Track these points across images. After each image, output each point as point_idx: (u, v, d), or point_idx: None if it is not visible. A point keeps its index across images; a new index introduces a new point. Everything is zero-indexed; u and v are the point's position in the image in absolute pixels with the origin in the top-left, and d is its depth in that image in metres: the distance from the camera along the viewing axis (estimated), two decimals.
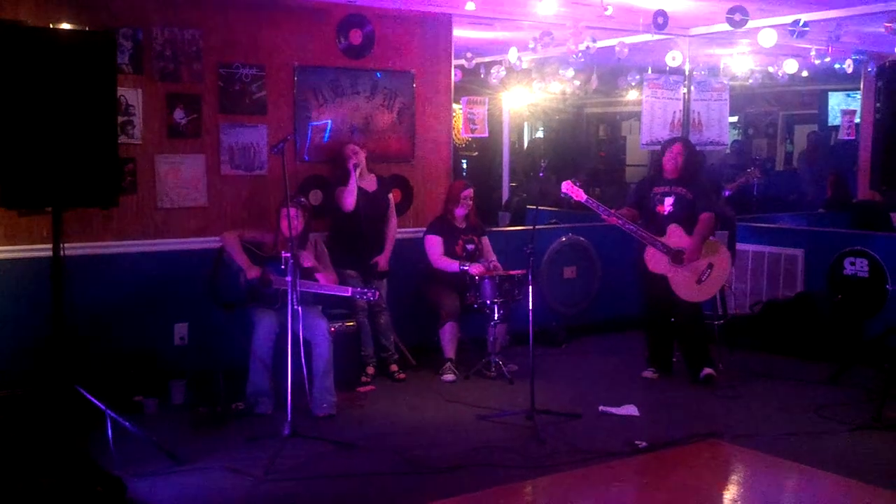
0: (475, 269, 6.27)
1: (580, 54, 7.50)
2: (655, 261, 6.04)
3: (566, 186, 5.99)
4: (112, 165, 4.41)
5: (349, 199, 6.01)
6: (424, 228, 6.60)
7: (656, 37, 7.18)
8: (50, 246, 4.48)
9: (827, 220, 9.35)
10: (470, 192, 6.55)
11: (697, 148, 7.62)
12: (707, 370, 6.13)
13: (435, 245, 6.42)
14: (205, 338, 5.87)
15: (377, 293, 5.40)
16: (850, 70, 8.99)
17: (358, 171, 6.05)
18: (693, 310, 6.14)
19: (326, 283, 5.47)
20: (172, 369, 5.69)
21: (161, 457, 4.55)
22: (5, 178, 4.17)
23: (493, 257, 6.56)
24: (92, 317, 5.43)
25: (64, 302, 4.41)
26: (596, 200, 6.00)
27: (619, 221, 5.97)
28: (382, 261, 6.24)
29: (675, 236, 6.04)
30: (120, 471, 4.20)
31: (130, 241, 5.71)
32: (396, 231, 6.40)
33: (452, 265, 6.33)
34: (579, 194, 5.94)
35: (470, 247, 6.53)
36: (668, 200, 6.12)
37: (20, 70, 4.14)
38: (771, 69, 9.42)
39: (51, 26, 4.89)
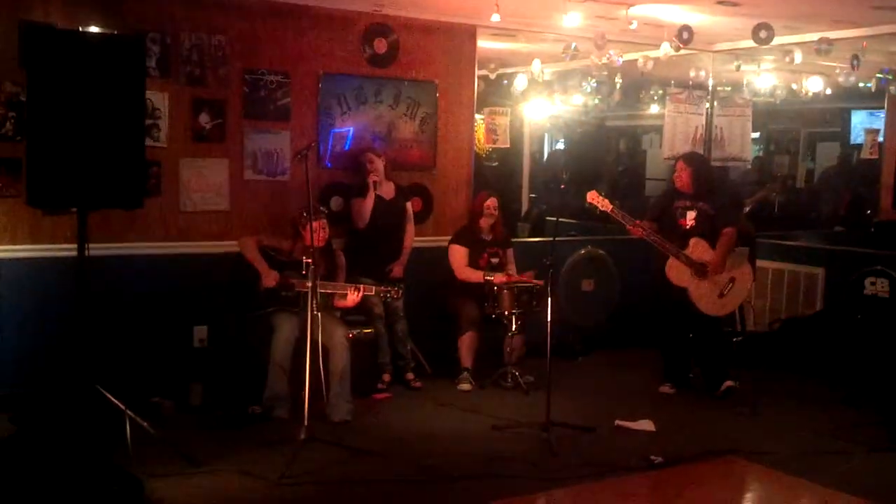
0: (499, 278, 6.28)
1: (604, 67, 7.52)
2: (678, 273, 6.02)
3: (592, 196, 5.99)
4: (138, 168, 4.46)
5: (364, 215, 6.04)
6: (444, 237, 6.62)
7: (681, 52, 7.18)
8: (72, 246, 4.53)
9: (847, 239, 9.29)
10: (493, 201, 6.55)
11: (718, 163, 7.63)
12: (728, 382, 6.13)
13: (459, 256, 6.43)
14: (224, 341, 5.90)
15: (399, 291, 5.43)
16: (873, 89, 8.95)
17: (377, 186, 6.07)
18: (713, 324, 6.13)
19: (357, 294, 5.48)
20: (191, 372, 5.73)
21: (178, 458, 4.58)
22: (33, 177, 4.23)
23: (513, 269, 6.56)
24: (113, 317, 5.49)
25: (86, 302, 4.45)
26: (621, 211, 6.00)
27: (644, 233, 5.96)
28: (398, 268, 6.25)
29: (699, 249, 6.03)
30: (137, 471, 4.24)
31: (153, 243, 5.76)
32: (413, 239, 6.42)
33: (476, 275, 6.34)
34: (605, 204, 5.94)
35: (494, 260, 6.52)
36: (691, 214, 6.11)
37: (51, 71, 4.19)
38: (794, 86, 9.41)
39: (80, 29, 4.95)
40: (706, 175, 6.26)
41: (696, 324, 6.10)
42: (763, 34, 6.53)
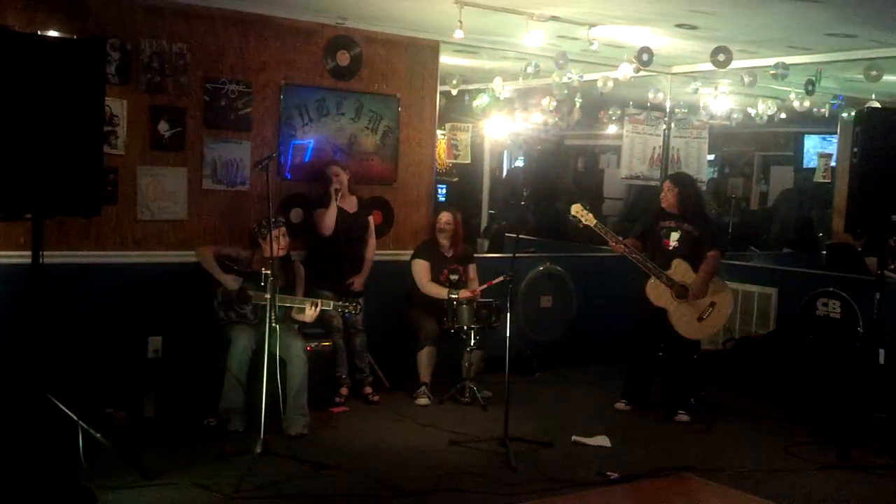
0: (464, 294, 6.31)
1: (563, 86, 7.60)
2: (658, 293, 6.04)
3: (575, 209, 6.02)
4: (96, 175, 4.40)
5: (328, 224, 6.02)
6: (404, 251, 6.64)
7: (640, 73, 7.29)
8: (26, 253, 4.46)
9: (798, 261, 9.47)
10: (447, 216, 6.57)
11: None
12: (683, 416, 6.14)
13: (422, 270, 6.44)
14: (178, 352, 5.84)
15: (358, 306, 5.42)
16: (826, 114, 9.17)
17: (339, 195, 6.05)
18: (687, 347, 6.17)
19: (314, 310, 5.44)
20: (145, 383, 5.66)
21: (131, 470, 4.51)
22: None
23: (476, 284, 6.56)
24: (66, 326, 5.40)
25: (39, 310, 4.37)
26: (604, 226, 6.04)
27: (626, 250, 5.99)
28: (358, 281, 6.24)
29: (681, 271, 6.06)
30: (90, 483, 4.16)
31: (108, 251, 5.68)
32: (374, 253, 6.41)
33: (441, 291, 6.35)
34: (589, 218, 5.97)
35: (454, 277, 6.54)
36: (675, 235, 6.14)
37: (8, 75, 4.12)
38: (750, 110, 9.59)
39: (38, 33, 4.89)
40: (693, 197, 6.28)
41: (670, 344, 6.13)
42: (721, 57, 6.66)
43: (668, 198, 6.20)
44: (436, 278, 6.45)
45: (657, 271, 5.99)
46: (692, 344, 6.22)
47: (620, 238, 6.05)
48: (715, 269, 6.15)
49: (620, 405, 6.35)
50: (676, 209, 6.18)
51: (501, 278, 6.19)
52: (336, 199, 6.01)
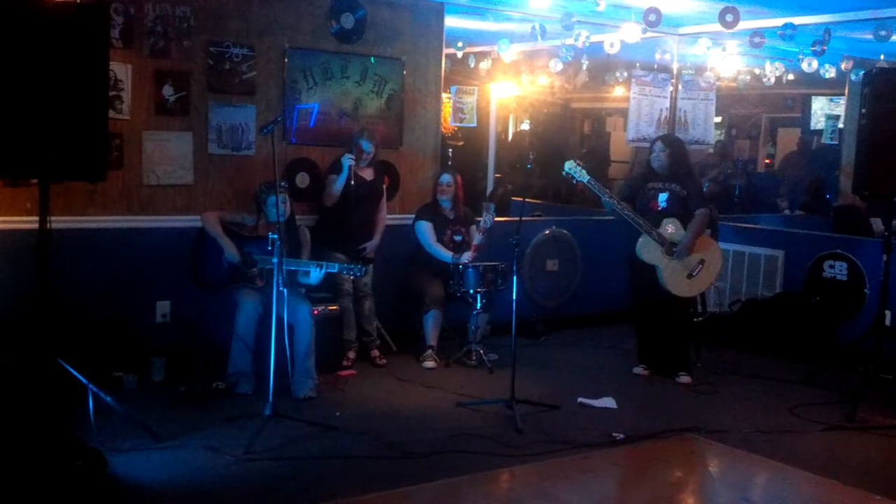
0: (467, 256, 6.32)
1: (570, 48, 7.53)
2: (649, 251, 6.06)
3: (569, 166, 6.01)
4: (101, 139, 4.37)
5: (334, 194, 6.00)
6: (410, 215, 6.63)
7: (647, 35, 7.22)
8: (33, 218, 4.46)
9: (806, 223, 9.45)
10: (447, 178, 6.58)
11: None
12: (684, 377, 6.18)
13: (426, 230, 6.45)
14: (187, 316, 5.86)
15: (364, 268, 5.44)
16: (833, 75, 9.08)
17: (352, 168, 6.02)
18: (680, 307, 6.18)
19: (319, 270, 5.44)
20: (153, 347, 5.70)
21: (141, 433, 4.56)
22: None
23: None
24: (74, 291, 5.43)
25: (47, 275, 4.39)
26: (598, 183, 6.03)
27: (619, 207, 5.99)
28: (371, 247, 6.25)
29: (671, 229, 6.07)
30: (99, 446, 4.21)
31: (115, 216, 5.68)
32: (386, 219, 6.42)
33: (446, 254, 6.36)
34: (582, 175, 5.97)
35: (458, 237, 6.56)
36: (662, 196, 6.14)
37: (11, 40, 4.09)
38: (757, 71, 9.50)
39: None
40: (684, 158, 6.28)
41: (665, 305, 6.15)
42: (729, 17, 6.59)
43: (660, 159, 6.19)
44: (440, 240, 6.46)
45: (648, 227, 6.00)
46: (685, 302, 6.23)
47: (614, 196, 6.04)
48: (703, 226, 6.16)
49: (639, 370, 6.37)
50: (667, 171, 6.17)
51: (484, 222, 6.22)
52: (350, 171, 5.96)
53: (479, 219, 6.47)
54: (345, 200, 6.04)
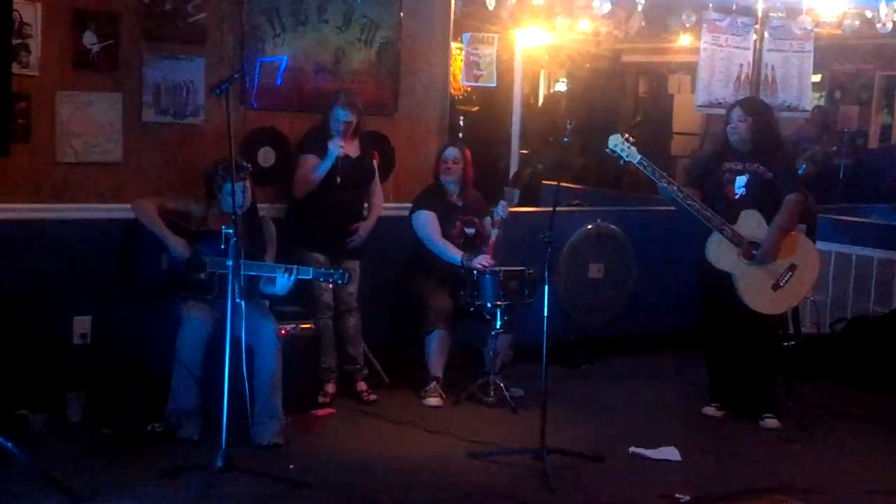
0: (483, 261, 6.28)
1: None
2: (721, 253, 6.04)
3: (614, 141, 6.02)
4: (2, 103, 4.39)
5: (309, 184, 6.04)
6: (407, 204, 6.63)
7: None
8: None
9: None
10: (453, 152, 6.59)
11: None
12: (771, 420, 6.18)
13: (428, 222, 6.45)
14: (114, 337, 5.87)
15: (346, 274, 5.43)
16: None
17: (341, 149, 6.04)
18: (763, 326, 6.17)
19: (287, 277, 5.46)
20: (69, 377, 5.69)
21: (52, 490, 4.54)
22: None
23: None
24: None
25: None
26: (652, 164, 6.03)
27: (681, 195, 5.98)
28: (363, 231, 6.26)
29: (750, 224, 6.05)
30: None
31: (18, 204, 5.69)
32: (382, 206, 6.46)
33: (455, 253, 6.36)
34: (631, 153, 5.97)
35: (470, 230, 6.56)
36: (741, 180, 6.13)
37: None
38: (870, 14, 9.46)
39: None
40: (771, 130, 6.26)
41: (741, 322, 6.14)
42: None
43: (739, 130, 6.17)
44: (446, 234, 6.47)
45: (720, 222, 5.99)
46: (771, 321, 6.21)
47: (673, 181, 6.04)
48: (794, 219, 6.14)
49: (710, 410, 6.36)
50: (748, 145, 6.15)
51: (497, 212, 6.25)
52: (335, 159, 5.98)
53: (493, 207, 6.47)
54: (324, 185, 6.06)
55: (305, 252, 5.99)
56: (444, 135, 7.04)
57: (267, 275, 5.47)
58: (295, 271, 5.43)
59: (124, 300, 5.68)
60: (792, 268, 6.10)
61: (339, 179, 6.05)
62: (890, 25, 9.30)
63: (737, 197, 6.14)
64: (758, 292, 6.06)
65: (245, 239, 5.25)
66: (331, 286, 5.98)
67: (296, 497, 4.77)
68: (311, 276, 5.50)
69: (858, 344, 7.23)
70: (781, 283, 6.09)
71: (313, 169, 6.05)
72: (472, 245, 6.51)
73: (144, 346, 5.69)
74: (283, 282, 5.43)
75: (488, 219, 6.63)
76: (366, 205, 6.41)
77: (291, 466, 5.12)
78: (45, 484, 4.57)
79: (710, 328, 6.44)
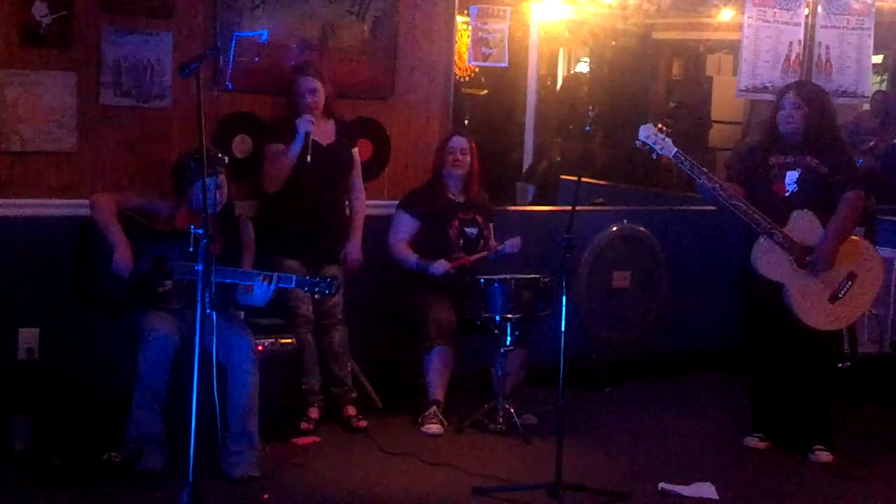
0: (438, 267, 6.37)
1: None
2: (770, 260, 6.04)
3: (646, 132, 6.02)
4: None
5: (280, 174, 6.07)
6: None
7: None
8: None
9: None
10: (461, 142, 6.62)
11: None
12: (823, 453, 6.17)
13: (401, 226, 6.56)
14: (65, 351, 5.89)
15: (335, 283, 5.45)
16: None
17: (312, 126, 6.05)
18: (816, 344, 6.18)
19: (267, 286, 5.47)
20: (14, 398, 5.71)
21: None
22: None
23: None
24: None
25: None
26: (689, 159, 6.04)
27: (724, 194, 6.00)
28: (352, 254, 6.32)
29: (803, 227, 6.06)
30: None
31: None
32: (365, 206, 6.47)
33: (408, 258, 6.45)
34: (666, 146, 5.98)
35: (471, 231, 6.60)
36: (791, 176, 6.15)
37: None
38: None
39: None
40: (828, 119, 6.26)
41: (792, 339, 6.14)
42: None
43: (792, 119, 6.17)
44: (442, 235, 6.52)
45: (768, 226, 5.99)
46: (825, 339, 6.22)
47: (714, 177, 6.05)
48: (854, 220, 6.14)
49: (753, 441, 6.37)
50: (801, 136, 6.17)
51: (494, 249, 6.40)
52: (303, 138, 5.99)
53: (504, 242, 6.59)
54: (295, 180, 6.09)
55: (276, 259, 5.99)
56: (448, 122, 7.06)
57: (243, 283, 5.48)
58: (275, 279, 5.45)
59: (77, 309, 5.69)
60: (851, 277, 6.10)
61: (308, 158, 6.03)
62: None
63: (787, 195, 6.14)
64: (812, 305, 6.06)
65: (218, 241, 5.27)
66: (316, 297, 5.96)
67: None
68: (293, 286, 5.51)
69: None
70: (840, 295, 6.09)
71: (282, 156, 6.07)
72: (473, 249, 6.55)
73: (100, 363, 5.72)
74: (261, 291, 5.44)
75: (492, 226, 6.71)
76: (346, 203, 6.44)
77: (266, 496, 5.14)
78: None
79: (755, 347, 6.43)
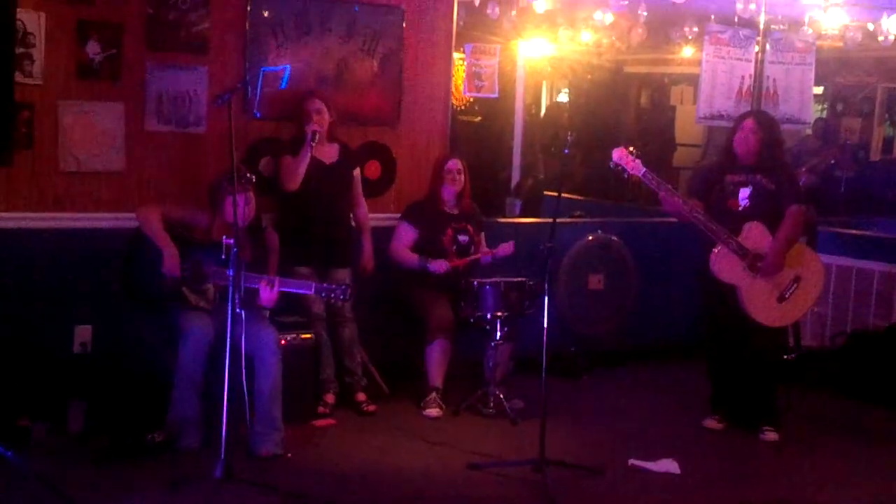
0: (438, 265, 6.37)
1: None
2: (726, 265, 6.03)
3: (618, 155, 6.01)
4: (4, 111, 4.41)
5: (293, 180, 6.04)
6: None
7: None
8: None
9: None
10: (457, 163, 6.63)
11: None
12: (770, 433, 6.18)
13: (402, 234, 6.55)
14: (115, 345, 5.88)
15: (348, 290, 5.45)
16: None
17: (317, 138, 6.05)
18: (766, 338, 6.17)
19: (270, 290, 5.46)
20: (70, 386, 5.69)
21: (53, 500, 4.55)
22: None
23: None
24: None
25: None
26: (657, 177, 6.04)
27: (685, 208, 5.99)
28: (368, 262, 6.36)
29: (754, 236, 6.05)
30: None
31: (21, 212, 5.70)
32: (369, 218, 6.47)
33: (411, 259, 6.44)
34: (636, 166, 5.97)
35: (463, 238, 6.60)
36: (744, 192, 6.14)
37: None
38: (871, 27, 9.48)
39: None
40: (777, 143, 6.28)
41: (745, 334, 6.14)
42: None
43: (748, 142, 6.17)
44: (437, 242, 6.52)
45: (724, 236, 5.99)
46: (773, 334, 6.21)
47: (676, 193, 6.05)
48: (798, 231, 6.14)
49: (711, 423, 6.36)
50: (755, 158, 6.17)
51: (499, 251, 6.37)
52: (312, 145, 6.01)
53: (498, 247, 6.61)
54: (303, 196, 6.09)
55: (289, 267, 5.95)
56: (446, 145, 7.05)
57: (250, 286, 5.42)
58: (276, 282, 5.44)
59: (124, 309, 5.69)
60: (797, 280, 6.10)
61: (314, 189, 6.03)
62: (892, 38, 9.33)
63: (741, 209, 6.14)
64: (763, 304, 6.06)
65: (247, 250, 5.27)
66: (323, 299, 5.94)
67: None
68: (311, 292, 5.51)
69: (858, 357, 7.22)
70: (786, 296, 6.09)
71: (293, 161, 6.06)
72: (465, 254, 6.55)
73: (145, 355, 5.71)
74: (265, 294, 5.43)
75: (482, 235, 6.72)
76: (351, 216, 6.44)
77: (312, 477, 5.12)
78: (46, 493, 4.57)
79: (712, 340, 6.43)
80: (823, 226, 7.78)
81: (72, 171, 5.82)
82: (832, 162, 11.91)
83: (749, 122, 6.23)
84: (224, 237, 4.97)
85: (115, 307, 5.74)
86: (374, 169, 6.71)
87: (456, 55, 7.29)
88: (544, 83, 13.89)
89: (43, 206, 5.76)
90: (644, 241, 7.90)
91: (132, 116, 5.96)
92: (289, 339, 5.87)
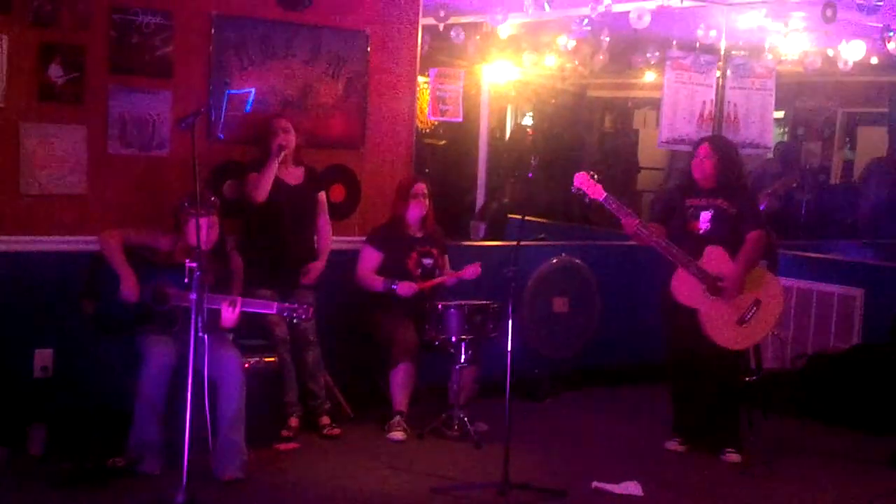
0: (406, 288, 6.36)
1: (586, 20, 7.58)
2: (686, 289, 6.07)
3: (580, 179, 6.04)
4: None
5: (261, 189, 6.04)
6: None
7: (686, 4, 7.29)
8: None
9: (895, 254, 9.49)
10: (422, 186, 6.64)
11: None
12: (732, 454, 6.20)
13: (367, 258, 6.54)
14: (76, 370, 5.84)
15: (311, 309, 5.43)
16: None
17: (282, 156, 6.06)
18: (727, 361, 6.20)
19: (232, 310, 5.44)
20: (31, 410, 5.66)
21: None
22: None
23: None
24: None
25: None
26: (618, 201, 6.06)
27: (645, 232, 6.02)
28: (315, 269, 6.30)
29: (715, 260, 6.09)
30: None
31: None
32: (331, 238, 6.46)
33: (376, 282, 6.43)
34: (597, 191, 6.00)
35: (427, 261, 6.60)
36: (705, 216, 6.19)
37: None
38: (831, 53, 9.59)
39: None
40: (735, 167, 6.33)
41: (706, 357, 6.16)
42: (829, 13, 6.69)
43: (704, 167, 6.23)
44: (402, 266, 6.51)
45: (685, 259, 6.02)
46: (734, 356, 6.24)
47: (637, 217, 6.08)
48: (758, 254, 6.18)
49: (673, 445, 6.38)
50: (712, 182, 6.22)
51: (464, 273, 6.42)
52: (278, 158, 6.01)
53: (464, 269, 6.63)
54: (266, 218, 6.09)
55: (251, 289, 5.92)
56: (411, 169, 7.05)
57: (212, 307, 5.38)
58: (238, 303, 5.41)
59: (85, 332, 5.63)
60: (757, 303, 6.13)
61: (280, 211, 6.03)
62: (851, 64, 9.44)
63: (702, 232, 6.18)
64: (723, 327, 6.09)
65: (210, 273, 5.24)
66: (287, 320, 5.91)
67: None
68: (274, 312, 5.49)
69: (819, 379, 7.26)
70: (747, 318, 6.11)
71: (259, 174, 6.06)
72: (429, 277, 6.55)
73: (106, 379, 5.66)
74: (227, 315, 5.41)
75: (446, 258, 6.73)
76: (314, 238, 6.44)
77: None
78: None
79: (674, 363, 6.46)
80: (784, 249, 7.83)
81: (33, 193, 5.78)
82: (794, 185, 12.00)
83: (703, 148, 6.30)
84: (187, 260, 4.94)
85: (77, 331, 5.68)
86: (338, 192, 6.70)
87: (420, 79, 7.31)
88: (509, 107, 13.96)
89: (4, 229, 5.72)
90: (608, 263, 7.93)
91: (95, 139, 5.93)
92: (252, 362, 5.85)
